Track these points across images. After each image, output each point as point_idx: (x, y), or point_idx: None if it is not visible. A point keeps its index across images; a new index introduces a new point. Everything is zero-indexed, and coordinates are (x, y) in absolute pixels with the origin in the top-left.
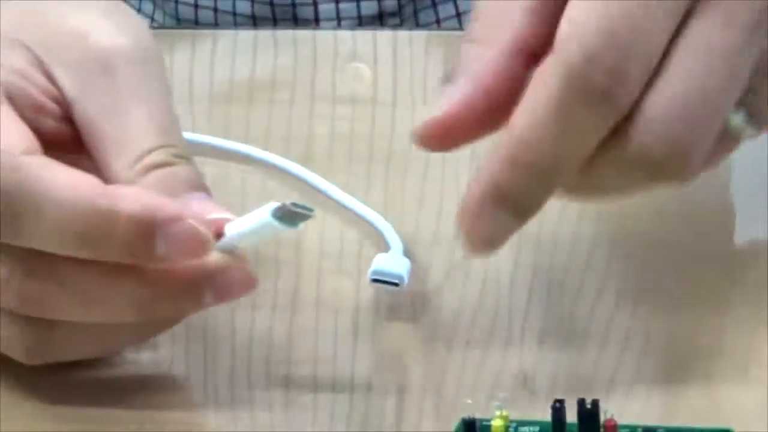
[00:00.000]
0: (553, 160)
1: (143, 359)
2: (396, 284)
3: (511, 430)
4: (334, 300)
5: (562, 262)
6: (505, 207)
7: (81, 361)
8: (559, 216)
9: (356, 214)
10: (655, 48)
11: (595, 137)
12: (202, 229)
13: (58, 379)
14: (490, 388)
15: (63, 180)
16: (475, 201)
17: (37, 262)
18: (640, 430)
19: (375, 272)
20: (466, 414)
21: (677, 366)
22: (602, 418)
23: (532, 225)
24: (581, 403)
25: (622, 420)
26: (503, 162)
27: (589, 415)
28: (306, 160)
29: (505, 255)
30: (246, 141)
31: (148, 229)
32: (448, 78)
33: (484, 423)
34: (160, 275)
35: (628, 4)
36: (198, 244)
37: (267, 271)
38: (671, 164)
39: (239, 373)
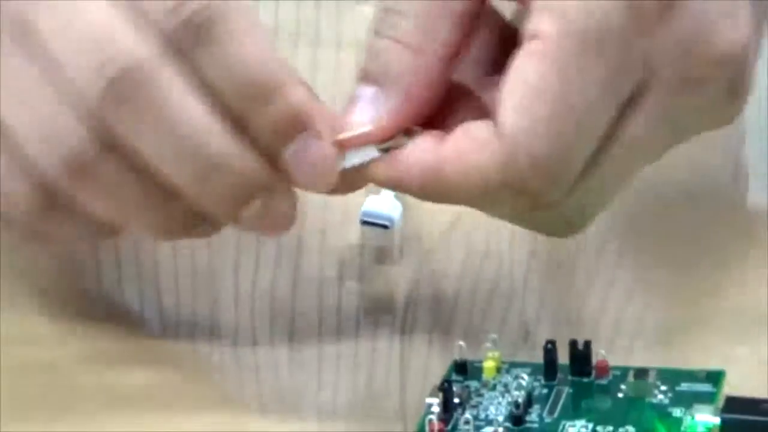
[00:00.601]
0: (459, 203)
1: (147, 312)
2: (386, 226)
3: (503, 371)
4: (336, 248)
5: None
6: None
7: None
8: None
9: None
10: (593, 146)
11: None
12: (334, 162)
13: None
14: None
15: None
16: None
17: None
18: (632, 371)
19: (365, 214)
20: (459, 356)
21: (677, 320)
22: (594, 359)
23: None
24: (573, 343)
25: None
26: (417, 176)
27: (581, 355)
28: None
29: None
30: None
31: (297, 121)
32: (367, 77)
33: (476, 364)
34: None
35: (573, 101)
36: (326, 169)
37: None
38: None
39: (244, 324)
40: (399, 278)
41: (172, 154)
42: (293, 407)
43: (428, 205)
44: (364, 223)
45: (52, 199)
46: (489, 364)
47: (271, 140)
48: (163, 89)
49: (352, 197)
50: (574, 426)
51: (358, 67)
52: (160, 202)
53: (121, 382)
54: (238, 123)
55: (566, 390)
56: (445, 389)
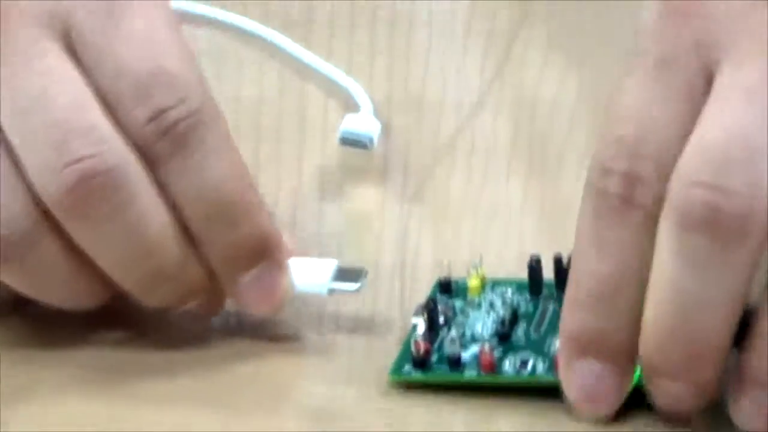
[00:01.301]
0: (607, 286)
1: None
2: (365, 145)
3: (487, 288)
4: (316, 164)
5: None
6: (589, 354)
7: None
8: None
9: (321, 74)
10: (666, 140)
11: (636, 248)
12: (289, 293)
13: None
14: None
15: (230, 152)
16: (560, 358)
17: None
18: None
19: (345, 133)
20: (443, 274)
21: None
22: None
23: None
24: (558, 260)
25: None
26: (568, 307)
27: (565, 272)
28: (307, 24)
29: (490, 122)
30: (245, 9)
31: (259, 248)
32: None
33: (460, 283)
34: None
35: (635, 109)
36: (280, 299)
37: (247, 136)
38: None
39: None
40: (382, 197)
41: (123, 259)
42: (294, 333)
43: (423, 124)
44: (343, 142)
45: None
46: (474, 283)
47: (228, 262)
48: (129, 197)
49: (330, 117)
50: None
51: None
52: (90, 289)
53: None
54: (194, 236)
55: (552, 306)
56: (430, 308)
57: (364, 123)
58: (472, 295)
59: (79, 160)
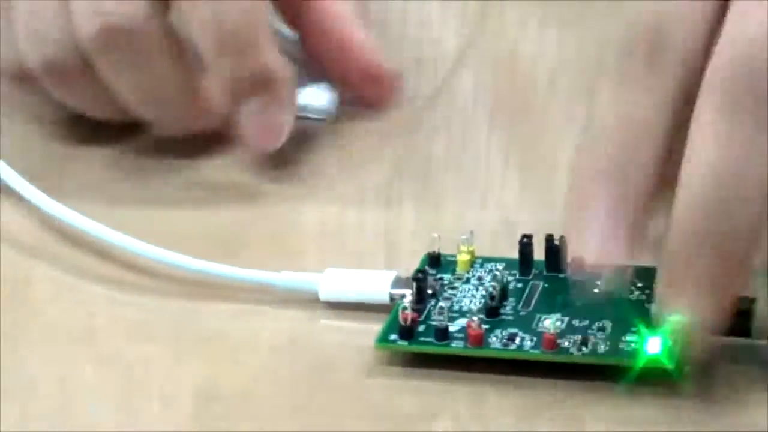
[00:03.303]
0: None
1: None
2: (323, 120)
3: (476, 265)
4: None
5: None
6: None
7: None
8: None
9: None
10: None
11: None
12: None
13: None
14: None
15: None
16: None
17: None
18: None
19: (300, 108)
20: (434, 248)
21: None
22: (569, 255)
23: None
24: (549, 239)
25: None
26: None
27: (556, 251)
28: None
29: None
30: None
31: (265, 80)
32: None
33: (449, 258)
34: None
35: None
36: (276, 136)
37: None
38: None
39: None
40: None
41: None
42: None
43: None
44: (299, 118)
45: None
46: (463, 258)
47: (230, 89)
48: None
49: None
50: (549, 318)
51: None
52: (181, 82)
53: None
54: (204, 63)
55: (541, 285)
56: (419, 279)
57: (321, 96)
58: (460, 270)
59: None
